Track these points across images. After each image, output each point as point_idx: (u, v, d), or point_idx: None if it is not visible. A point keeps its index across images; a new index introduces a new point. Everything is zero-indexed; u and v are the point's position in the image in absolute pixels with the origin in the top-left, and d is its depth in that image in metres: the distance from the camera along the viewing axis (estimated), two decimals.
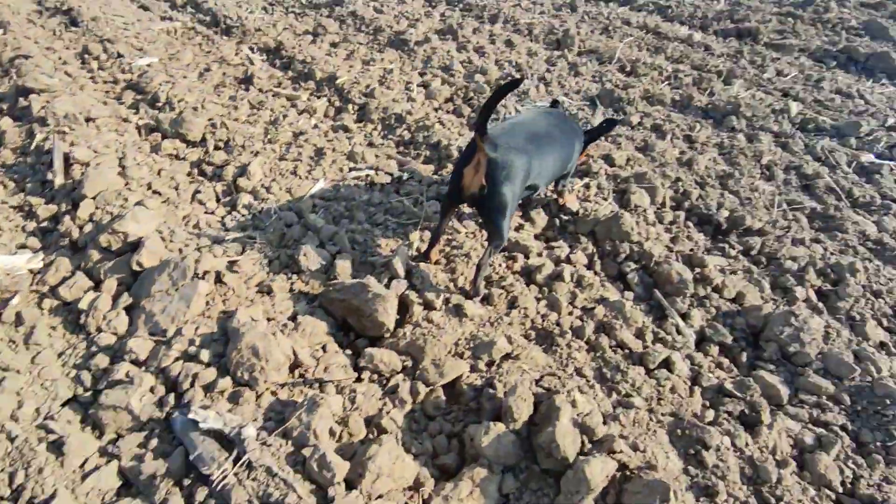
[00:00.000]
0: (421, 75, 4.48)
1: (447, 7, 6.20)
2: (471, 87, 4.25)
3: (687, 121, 4.08)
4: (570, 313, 2.30)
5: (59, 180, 2.77)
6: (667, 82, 4.81)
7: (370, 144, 3.51)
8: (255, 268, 2.42)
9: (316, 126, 3.64)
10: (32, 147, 3.06)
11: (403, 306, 2.24)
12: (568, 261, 2.60)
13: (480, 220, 2.68)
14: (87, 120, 3.29)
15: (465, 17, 5.90)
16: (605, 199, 3.05)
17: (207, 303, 2.14)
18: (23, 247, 2.52)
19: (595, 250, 2.68)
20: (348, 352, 2.09)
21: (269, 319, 2.15)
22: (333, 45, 4.96)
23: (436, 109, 4.03)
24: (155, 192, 2.85)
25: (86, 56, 4.27)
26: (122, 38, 4.50)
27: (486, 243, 2.29)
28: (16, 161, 3.05)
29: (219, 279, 2.26)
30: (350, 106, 3.89)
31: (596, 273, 2.56)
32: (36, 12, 5.12)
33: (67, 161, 2.86)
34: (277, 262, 2.48)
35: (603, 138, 3.60)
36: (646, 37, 5.82)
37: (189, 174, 3.13)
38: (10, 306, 2.15)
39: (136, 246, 2.36)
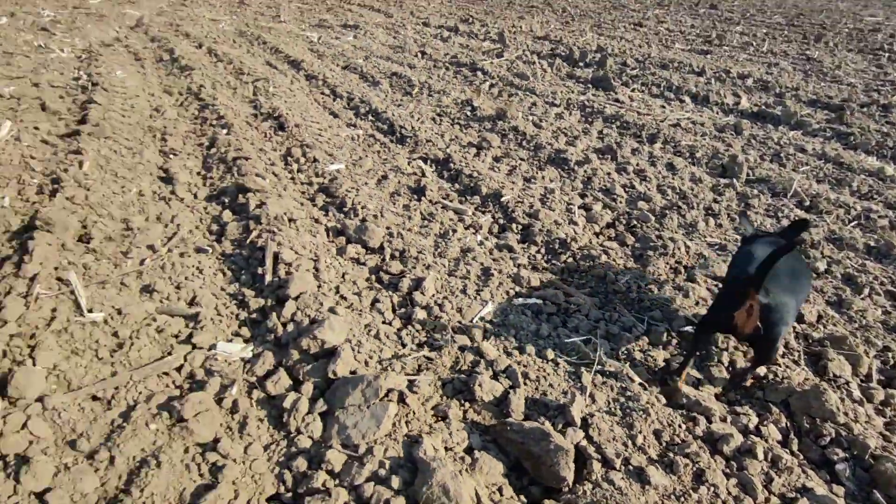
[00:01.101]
0: (581, 196, 4.75)
1: (605, 124, 6.57)
2: (633, 213, 4.40)
3: (888, 273, 3.80)
4: (768, 500, 2.17)
5: (268, 277, 3.33)
6: (856, 222, 4.55)
7: (534, 268, 3.74)
8: (431, 389, 2.64)
9: (482, 243, 3.99)
10: (248, 241, 3.74)
11: (579, 458, 2.29)
12: (758, 433, 2.48)
13: (748, 345, 2.98)
14: (290, 220, 3.95)
15: (622, 136, 6.20)
16: (797, 364, 2.90)
17: (394, 424, 2.38)
18: (236, 335, 3.03)
19: (790, 425, 2.53)
20: (523, 498, 2.17)
21: (446, 449, 2.31)
22: (496, 159, 5.47)
23: (597, 234, 4.21)
24: (342, 296, 3.29)
25: (288, 158, 5.19)
26: (317, 144, 5.40)
27: (753, 360, 2.71)
28: (233, 252, 3.73)
29: (402, 399, 2.51)
30: (514, 225, 4.22)
31: (793, 454, 2.40)
32: (252, 115, 6.38)
33: (276, 260, 3.45)
34: (451, 386, 2.69)
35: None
36: (825, 167, 5.62)
37: (368, 280, 3.57)
38: (229, 394, 2.58)
39: (331, 352, 2.73)
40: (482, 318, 3.18)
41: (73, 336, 2.78)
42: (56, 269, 3.23)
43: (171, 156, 5.24)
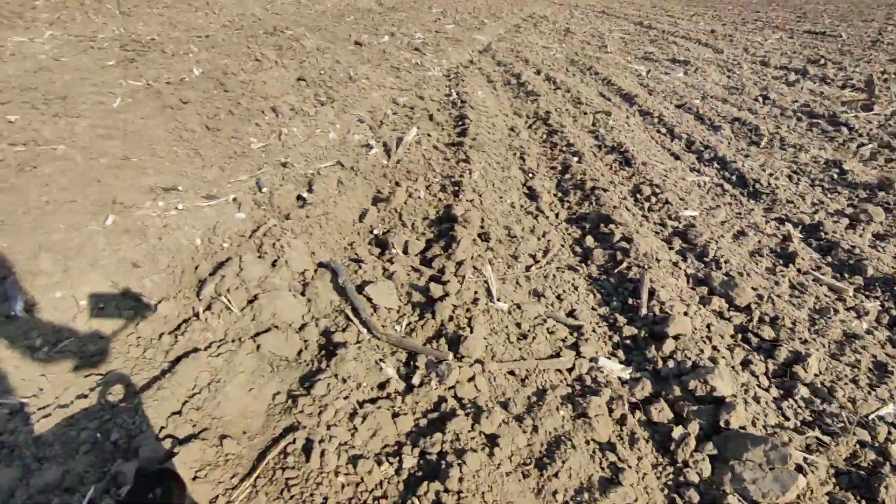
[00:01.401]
0: None
1: None
2: None
3: None
4: None
5: (643, 311, 3.71)
6: None
7: None
8: (825, 475, 2.62)
9: (870, 332, 3.68)
10: (616, 271, 4.20)
11: None
12: None
13: None
14: (656, 260, 4.28)
15: None
16: None
17: (798, 496, 2.46)
18: (612, 354, 3.48)
19: None
20: None
21: None
22: (879, 236, 4.91)
23: None
24: (714, 347, 3.46)
25: (637, 195, 5.57)
26: (666, 186, 5.66)
27: None
28: (600, 277, 4.25)
29: (800, 471, 2.56)
30: None
31: None
32: (595, 146, 7.01)
33: (650, 295, 3.81)
34: (847, 478, 2.62)
35: None
36: None
37: (734, 337, 3.65)
38: (618, 407, 3.00)
39: (719, 401, 2.94)
40: (880, 417, 2.97)
41: (492, 318, 3.59)
42: (471, 258, 4.18)
43: (531, 175, 6.15)
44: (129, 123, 6.35)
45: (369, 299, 3.45)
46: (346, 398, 2.74)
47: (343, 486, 2.35)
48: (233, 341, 3.03)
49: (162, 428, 2.55)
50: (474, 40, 14.61)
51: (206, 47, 9.99)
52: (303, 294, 3.53)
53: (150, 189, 4.93)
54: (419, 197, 5.23)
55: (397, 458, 2.49)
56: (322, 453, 2.42)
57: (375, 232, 4.56)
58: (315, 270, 3.84)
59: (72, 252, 3.87)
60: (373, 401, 2.77)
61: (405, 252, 4.16)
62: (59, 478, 2.35)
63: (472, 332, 3.34)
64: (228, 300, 3.29)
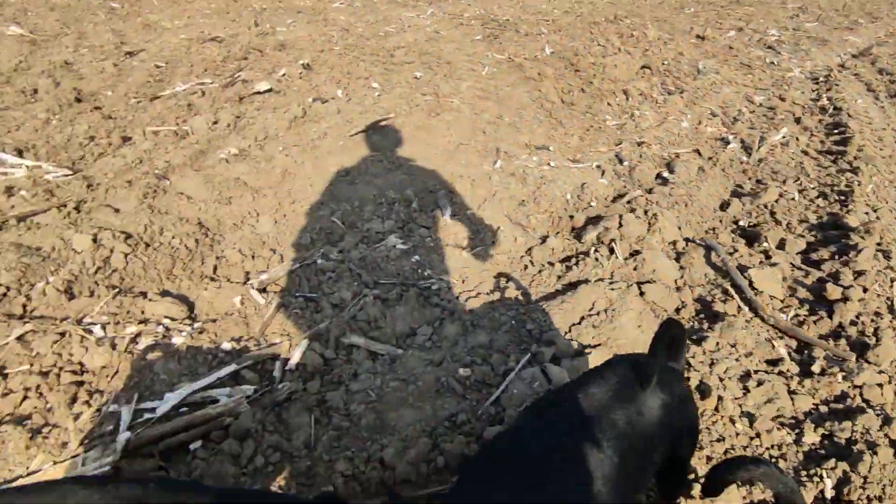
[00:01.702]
0: None
1: None
2: None
3: None
4: None
5: None
6: None
7: None
8: None
9: None
10: None
11: None
12: None
13: None
14: None
15: None
16: None
17: None
18: None
19: None
20: None
21: None
22: None
23: None
24: None
25: None
26: None
27: None
28: None
29: None
30: None
31: None
32: None
33: None
34: None
35: None
36: None
37: None
38: None
39: None
40: None
41: None
42: (872, 270, 3.82)
43: None
44: (499, 89, 7.45)
45: (750, 282, 3.48)
46: (736, 360, 2.87)
47: (737, 434, 2.50)
48: (620, 281, 3.43)
49: (566, 332, 3.08)
50: (845, 41, 12.65)
51: (554, 30, 10.90)
52: (677, 260, 3.75)
53: (525, 145, 5.77)
54: (792, 198, 4.94)
55: (796, 431, 2.53)
56: (719, 399, 2.61)
57: (741, 223, 4.50)
58: (686, 243, 4.02)
59: (475, 182, 4.82)
60: (765, 372, 2.84)
61: (780, 248, 4.02)
62: (488, 342, 3.06)
63: (878, 341, 3.10)
64: (613, 247, 3.71)
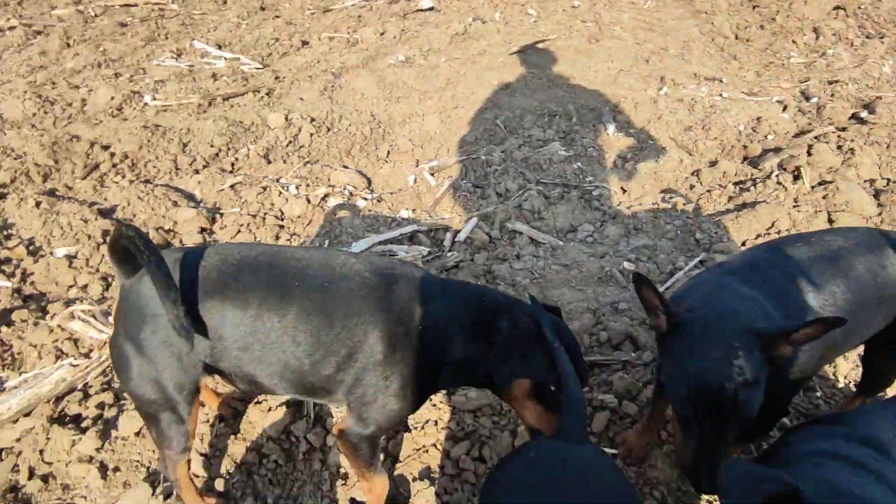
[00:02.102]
0: None
1: None
2: None
3: None
4: None
5: None
6: None
7: None
8: None
9: None
10: None
11: None
12: None
13: None
14: None
15: None
16: None
17: None
18: None
19: None
20: None
21: None
22: None
23: None
24: None
25: None
26: None
27: None
28: None
29: None
30: None
31: None
32: None
33: None
34: None
35: None
36: None
37: None
38: None
39: None
40: None
41: None
42: None
43: None
44: (663, 22, 6.93)
45: None
46: None
47: None
48: (808, 205, 3.15)
49: (741, 246, 2.91)
50: None
51: None
52: (875, 197, 3.35)
53: (693, 75, 5.36)
54: None
55: None
56: None
57: None
58: (887, 182, 3.57)
59: (638, 105, 4.60)
60: None
61: None
62: (652, 244, 2.98)
63: None
64: (800, 174, 3.39)
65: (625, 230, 3.10)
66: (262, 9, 6.68)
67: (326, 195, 3.14)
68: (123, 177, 3.39)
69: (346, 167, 3.54)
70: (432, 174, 3.46)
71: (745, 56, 5.94)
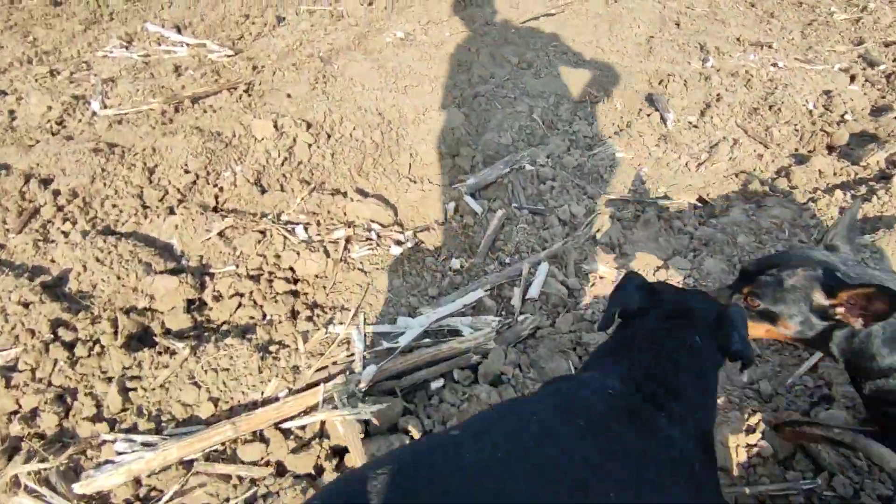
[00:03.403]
0: None
1: None
2: None
3: None
4: None
5: None
6: None
7: None
8: None
9: None
10: None
11: None
12: None
13: None
14: None
15: None
16: None
17: None
18: None
19: None
20: None
21: None
22: None
23: None
24: None
25: None
26: None
27: None
28: None
29: None
30: None
31: None
32: None
33: None
34: None
35: None
36: None
37: None
38: None
39: None
40: None
41: None
42: None
43: None
44: None
45: None
46: None
47: None
48: None
49: None
50: None
51: None
52: None
53: (736, 40, 4.59)
54: None
55: None
56: None
57: None
58: None
59: (688, 82, 3.84)
60: None
61: None
62: None
63: None
64: None
65: (727, 263, 2.41)
66: None
67: (348, 240, 2.36)
68: (74, 224, 2.53)
69: (362, 192, 2.74)
70: (473, 195, 2.69)
71: (781, 13, 5.17)
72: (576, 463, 0.83)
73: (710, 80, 3.84)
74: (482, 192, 2.78)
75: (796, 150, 3.28)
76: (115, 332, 1.97)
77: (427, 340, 1.93)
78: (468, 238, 2.44)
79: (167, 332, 2.04)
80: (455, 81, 3.84)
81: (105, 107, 3.36)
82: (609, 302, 1.28)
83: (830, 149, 3.26)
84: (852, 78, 3.95)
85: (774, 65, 4.11)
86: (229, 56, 4.06)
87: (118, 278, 2.18)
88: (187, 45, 4.16)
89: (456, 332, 2.00)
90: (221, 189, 2.74)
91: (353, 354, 1.88)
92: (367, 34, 4.39)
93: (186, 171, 2.81)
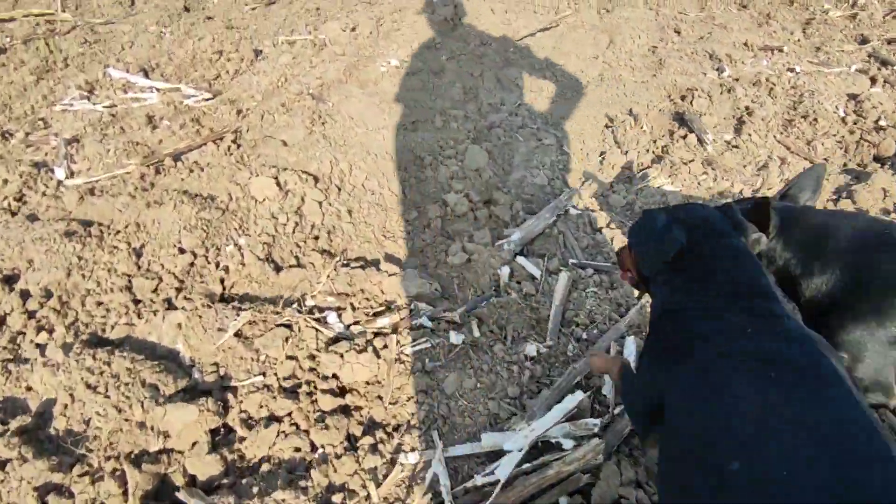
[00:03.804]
0: None
1: None
2: None
3: None
4: None
5: None
6: None
7: None
8: None
9: None
10: None
11: None
12: None
13: None
14: None
15: None
16: None
17: None
18: None
19: None
20: None
21: None
22: None
23: None
24: None
25: None
26: None
27: None
28: None
29: None
30: None
31: None
32: None
33: None
34: None
35: None
36: None
37: None
38: None
39: None
40: None
41: None
42: None
43: None
44: None
45: None
46: None
47: None
48: None
49: None
50: None
51: None
52: None
53: (743, 45, 4.36)
54: None
55: None
56: None
57: None
58: None
59: (712, 96, 3.57)
60: None
61: None
62: None
63: None
64: None
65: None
66: (187, 9, 5.07)
67: (395, 329, 1.95)
68: (51, 332, 2.05)
69: (393, 259, 2.34)
70: (523, 253, 2.31)
71: (776, 12, 4.99)
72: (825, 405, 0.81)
73: (733, 91, 3.57)
74: (529, 247, 2.41)
75: (845, 164, 3.03)
76: (125, 493, 1.51)
77: (527, 466, 1.53)
78: (533, 311, 2.06)
79: (191, 482, 1.59)
80: (465, 112, 3.47)
81: (72, 174, 2.86)
82: (654, 249, 1.21)
83: (878, 160, 3.02)
84: (872, 80, 3.75)
85: (791, 70, 3.88)
86: (207, 100, 3.59)
87: (118, 411, 1.72)
88: (158, 90, 3.66)
89: (549, 445, 1.61)
90: (227, 270, 2.29)
91: (440, 498, 1.47)
92: (358, 64, 3.98)
93: (181, 251, 2.35)
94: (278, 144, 3.06)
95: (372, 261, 2.31)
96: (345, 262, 2.30)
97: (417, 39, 4.32)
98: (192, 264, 2.31)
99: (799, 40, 4.42)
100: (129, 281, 2.23)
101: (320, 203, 2.62)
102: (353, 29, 4.48)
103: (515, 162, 2.99)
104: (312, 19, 4.69)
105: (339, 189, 2.75)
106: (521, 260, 2.22)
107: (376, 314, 2.02)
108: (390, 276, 2.15)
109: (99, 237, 2.40)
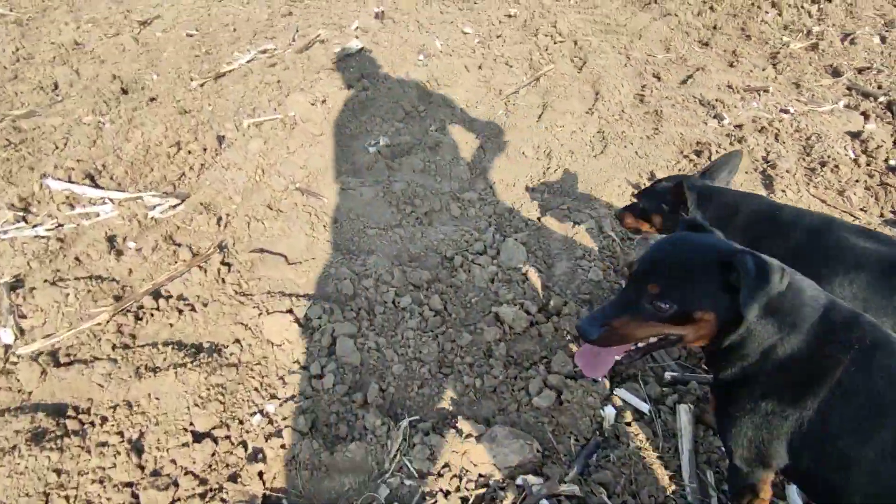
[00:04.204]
0: None
1: None
2: None
3: None
4: None
5: None
6: None
7: None
8: None
9: None
10: None
11: None
12: None
13: None
14: None
15: None
16: None
17: None
18: None
19: None
20: None
21: None
22: None
23: None
24: None
25: None
26: None
27: None
28: None
29: None
30: None
31: None
32: None
33: None
34: None
35: None
36: None
37: None
38: None
39: None
40: None
41: None
42: None
43: None
44: (614, 17, 5.86)
45: None
46: None
47: None
48: None
49: None
50: None
51: None
52: None
53: (727, 87, 4.31)
54: None
55: None
56: None
57: None
58: None
59: (721, 146, 3.42)
60: None
61: None
62: None
63: None
64: None
65: None
66: (125, 91, 4.47)
67: None
68: None
69: (465, 409, 1.91)
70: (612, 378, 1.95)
71: (738, 47, 5.03)
72: None
73: (744, 141, 3.45)
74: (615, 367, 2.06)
75: (881, 214, 2.92)
76: None
77: None
78: (661, 462, 1.70)
79: None
80: (478, 193, 3.13)
81: (22, 335, 2.24)
82: None
83: None
84: (865, 115, 3.75)
85: (785, 111, 3.84)
86: (175, 206, 3.04)
87: None
88: (112, 201, 3.08)
89: None
90: (262, 456, 1.78)
91: None
92: (342, 144, 3.56)
93: (196, 437, 1.82)
94: (279, 261, 2.58)
95: (443, 417, 1.88)
96: (411, 422, 1.86)
97: (399, 109, 3.97)
98: (213, 454, 1.79)
99: (776, 78, 4.44)
100: (135, 495, 1.68)
101: (354, 339, 2.16)
102: (324, 101, 4.06)
103: (554, 251, 2.66)
104: (275, 93, 4.23)
105: (370, 314, 2.31)
106: (624, 394, 1.86)
107: (477, 502, 1.59)
108: (476, 444, 1.72)
109: (79, 432, 1.83)
